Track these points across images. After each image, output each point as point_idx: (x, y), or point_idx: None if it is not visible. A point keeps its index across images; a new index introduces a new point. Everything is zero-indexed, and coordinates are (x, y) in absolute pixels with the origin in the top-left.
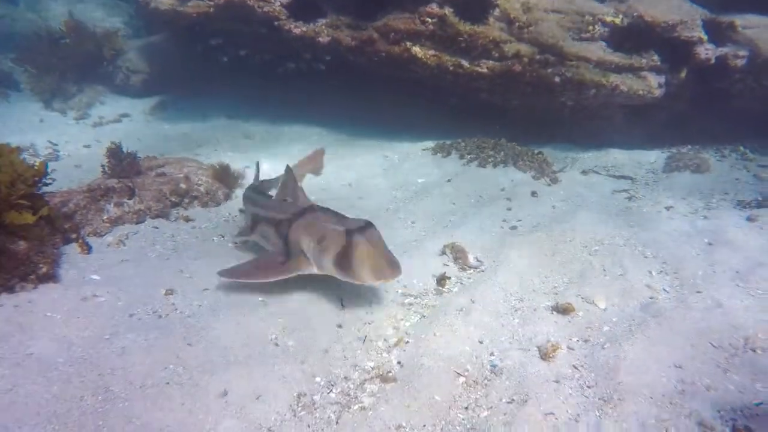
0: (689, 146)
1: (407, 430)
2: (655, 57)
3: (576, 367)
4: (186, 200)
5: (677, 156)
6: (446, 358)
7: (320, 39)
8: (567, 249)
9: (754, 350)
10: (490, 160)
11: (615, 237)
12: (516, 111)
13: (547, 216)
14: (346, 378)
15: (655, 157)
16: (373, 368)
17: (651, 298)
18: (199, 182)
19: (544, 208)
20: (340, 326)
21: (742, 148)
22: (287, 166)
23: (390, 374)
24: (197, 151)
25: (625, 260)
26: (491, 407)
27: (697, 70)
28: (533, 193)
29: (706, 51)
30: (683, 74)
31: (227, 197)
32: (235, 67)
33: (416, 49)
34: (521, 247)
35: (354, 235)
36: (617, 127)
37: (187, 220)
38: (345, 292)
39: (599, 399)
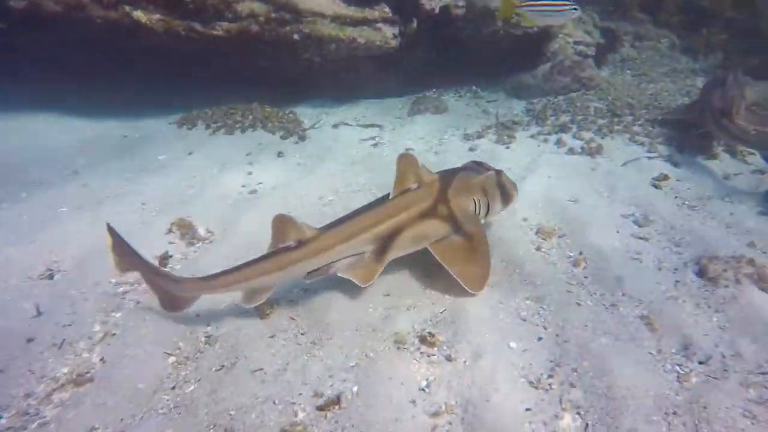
0: (434, 90)
1: (101, 430)
2: (386, 9)
3: (293, 318)
4: None
5: (420, 100)
6: (156, 341)
7: (12, 3)
8: (302, 205)
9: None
10: (237, 126)
11: (351, 184)
12: (268, 72)
13: (290, 174)
14: (27, 395)
15: (402, 103)
16: (66, 374)
17: None
18: None
19: (288, 167)
20: (30, 340)
21: (474, 87)
22: (403, 154)
23: (87, 375)
24: None
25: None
26: (199, 379)
27: (429, 19)
28: (279, 154)
29: (430, 2)
30: (414, 24)
31: None
32: None
33: (138, 14)
34: (255, 211)
35: (497, 172)
36: (367, 78)
37: None
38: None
39: (311, 343)
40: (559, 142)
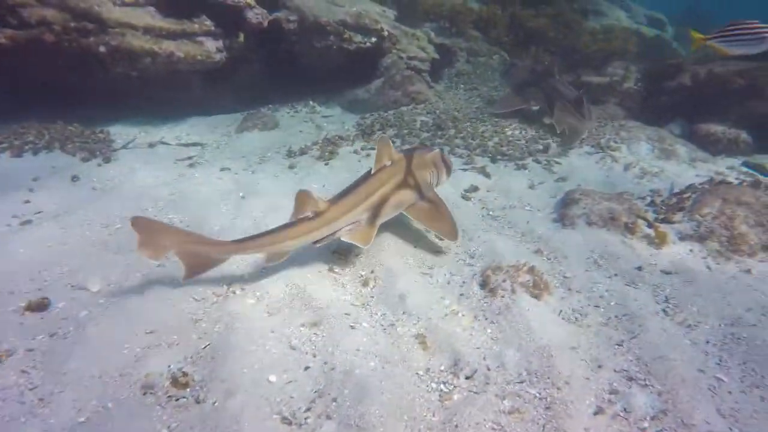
0: (269, 105)
1: None
2: (208, 22)
3: (26, 370)
4: None
5: (250, 116)
6: None
7: None
8: (83, 234)
9: (234, 293)
10: (28, 147)
11: (147, 209)
12: (82, 87)
13: (80, 201)
14: None
15: (233, 119)
16: None
17: (159, 265)
18: None
19: (80, 193)
20: None
21: (311, 102)
22: (381, 137)
23: None
24: None
25: None
26: None
27: (259, 33)
28: (74, 178)
29: (257, 16)
30: (241, 38)
31: None
32: None
33: None
34: (18, 245)
35: (441, 151)
36: (196, 94)
37: None
38: None
39: (38, 400)
40: None
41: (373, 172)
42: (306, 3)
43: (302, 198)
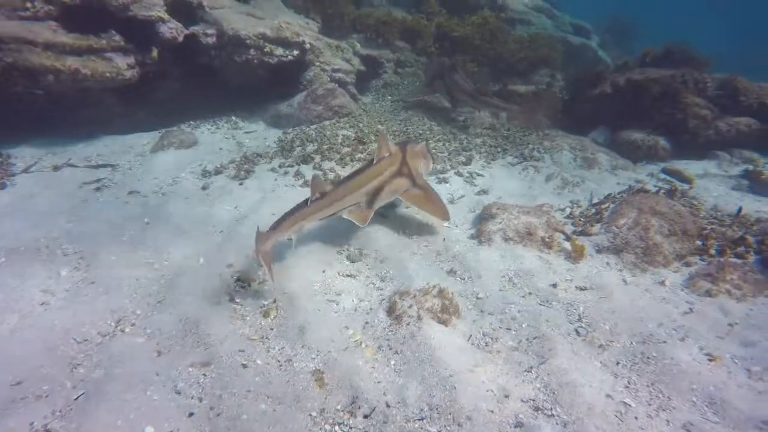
0: (190, 122)
1: None
2: (117, 37)
3: None
4: None
5: (167, 134)
6: None
7: None
8: None
9: (123, 331)
10: None
11: (39, 240)
12: None
13: None
14: None
15: (149, 138)
16: None
17: (43, 303)
18: None
19: None
20: None
21: (234, 118)
22: (380, 132)
23: None
24: None
25: (33, 267)
26: None
27: (176, 48)
28: None
29: (171, 30)
30: (155, 54)
31: None
32: None
33: None
34: None
35: (426, 143)
36: (110, 112)
37: None
38: None
39: None
40: (297, 174)
41: (375, 161)
42: (224, 16)
43: (314, 183)
